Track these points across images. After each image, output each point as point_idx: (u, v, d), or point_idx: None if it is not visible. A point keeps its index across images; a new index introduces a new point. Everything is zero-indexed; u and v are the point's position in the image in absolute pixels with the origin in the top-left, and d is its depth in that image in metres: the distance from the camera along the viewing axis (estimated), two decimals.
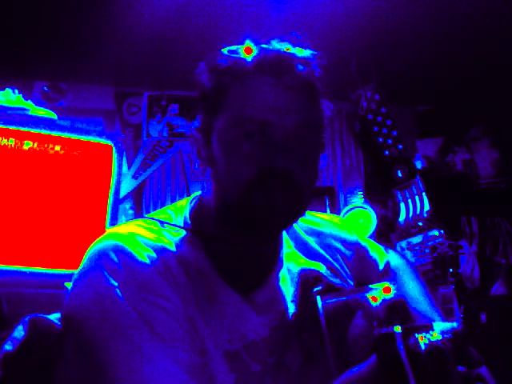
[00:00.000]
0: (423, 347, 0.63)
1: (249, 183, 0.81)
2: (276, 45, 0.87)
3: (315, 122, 0.88)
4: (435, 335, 0.64)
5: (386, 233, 2.77)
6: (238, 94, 0.85)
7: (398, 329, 0.65)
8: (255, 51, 0.86)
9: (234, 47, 0.88)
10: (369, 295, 0.75)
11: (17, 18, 2.13)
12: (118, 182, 2.01)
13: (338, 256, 1.00)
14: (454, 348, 0.65)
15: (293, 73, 0.85)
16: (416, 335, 0.64)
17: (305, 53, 0.88)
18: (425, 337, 0.64)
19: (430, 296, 1.00)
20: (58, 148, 1.90)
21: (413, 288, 1.00)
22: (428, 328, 0.66)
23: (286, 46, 0.87)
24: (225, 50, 0.88)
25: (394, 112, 2.68)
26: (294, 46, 0.88)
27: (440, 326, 0.66)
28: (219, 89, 0.86)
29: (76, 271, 0.83)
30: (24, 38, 2.25)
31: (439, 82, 2.72)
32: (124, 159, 2.67)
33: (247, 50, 0.86)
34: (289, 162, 0.82)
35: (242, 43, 0.87)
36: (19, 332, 0.80)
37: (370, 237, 1.12)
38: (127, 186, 2.72)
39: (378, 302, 0.72)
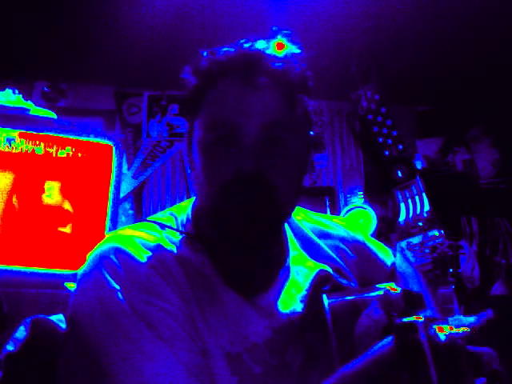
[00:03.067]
0: (443, 338, 0.64)
1: (222, 189, 0.81)
2: (247, 44, 0.85)
3: (291, 121, 0.84)
4: (451, 328, 0.66)
5: (386, 233, 2.77)
6: (211, 98, 0.84)
7: (420, 318, 0.65)
8: (227, 53, 0.85)
9: (212, 49, 0.87)
10: (379, 293, 0.76)
11: (17, 18, 2.13)
12: (118, 182, 2.02)
13: (345, 257, 1.00)
14: (470, 342, 0.66)
15: (263, 72, 0.82)
16: (434, 326, 0.65)
17: (283, 51, 0.85)
18: (443, 329, 0.65)
19: (432, 298, 1.01)
20: (58, 148, 1.90)
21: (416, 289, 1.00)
22: (444, 321, 0.67)
23: (259, 45, 0.85)
24: (204, 53, 0.87)
25: (393, 112, 2.68)
26: (287, 43, 0.87)
27: (456, 321, 0.67)
28: (196, 92, 0.86)
29: (78, 273, 0.84)
30: (24, 38, 2.25)
31: (439, 81, 2.72)
32: (124, 159, 2.67)
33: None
34: (261, 164, 0.80)
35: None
36: (21, 333, 0.80)
37: (371, 237, 1.13)
38: (127, 186, 2.72)
39: (397, 292, 0.73)
